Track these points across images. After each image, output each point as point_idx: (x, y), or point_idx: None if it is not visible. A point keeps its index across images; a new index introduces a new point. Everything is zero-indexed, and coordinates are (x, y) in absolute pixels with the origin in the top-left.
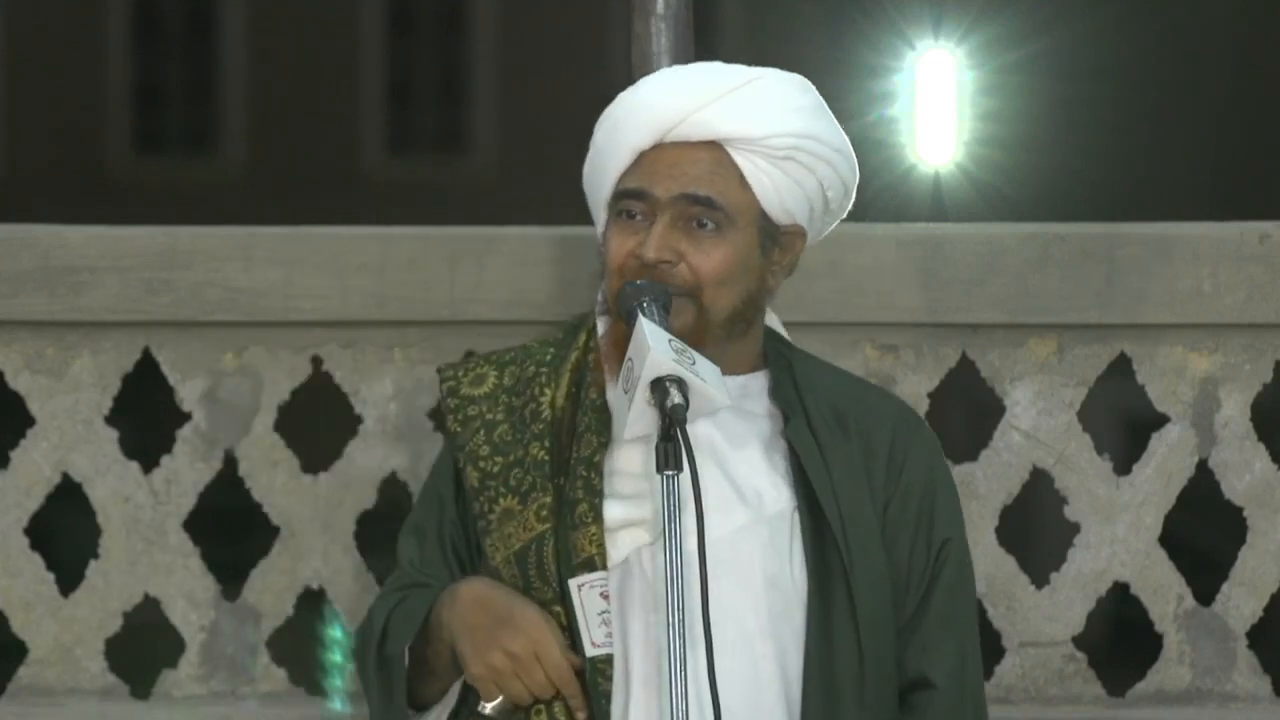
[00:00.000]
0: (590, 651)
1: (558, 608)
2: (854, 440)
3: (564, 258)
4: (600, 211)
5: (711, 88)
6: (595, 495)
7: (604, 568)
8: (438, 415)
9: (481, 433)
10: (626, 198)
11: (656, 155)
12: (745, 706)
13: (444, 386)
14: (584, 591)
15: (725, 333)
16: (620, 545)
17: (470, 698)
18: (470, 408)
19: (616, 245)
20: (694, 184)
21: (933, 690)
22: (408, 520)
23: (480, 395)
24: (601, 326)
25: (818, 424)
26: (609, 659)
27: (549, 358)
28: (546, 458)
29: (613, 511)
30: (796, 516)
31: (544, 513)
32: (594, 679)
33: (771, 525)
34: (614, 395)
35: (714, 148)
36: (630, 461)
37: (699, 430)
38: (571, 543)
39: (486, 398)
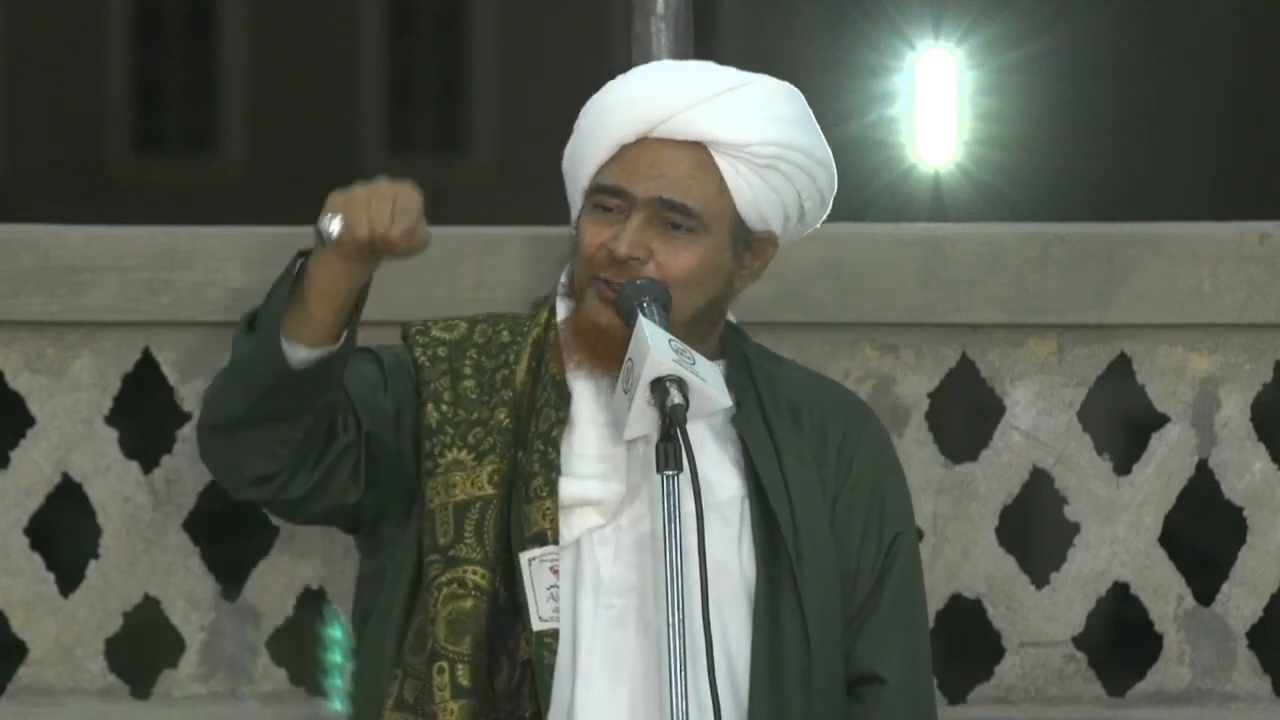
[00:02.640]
0: (537, 626)
1: (478, 568)
2: (807, 431)
3: (564, 258)
4: (577, 197)
5: (703, 88)
6: (552, 470)
7: (555, 543)
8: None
9: (446, 378)
10: (603, 192)
11: (639, 151)
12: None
13: (412, 330)
14: (534, 566)
15: (687, 333)
16: (573, 525)
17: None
18: (439, 348)
19: (590, 235)
20: (672, 188)
21: (883, 685)
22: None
23: (451, 339)
24: (563, 310)
25: (771, 414)
26: (555, 634)
27: (523, 330)
28: (510, 426)
29: (569, 489)
30: (746, 504)
31: (496, 478)
32: (539, 652)
33: (720, 512)
34: (573, 375)
35: (697, 149)
36: (588, 442)
37: None
38: (524, 515)
39: (456, 344)
